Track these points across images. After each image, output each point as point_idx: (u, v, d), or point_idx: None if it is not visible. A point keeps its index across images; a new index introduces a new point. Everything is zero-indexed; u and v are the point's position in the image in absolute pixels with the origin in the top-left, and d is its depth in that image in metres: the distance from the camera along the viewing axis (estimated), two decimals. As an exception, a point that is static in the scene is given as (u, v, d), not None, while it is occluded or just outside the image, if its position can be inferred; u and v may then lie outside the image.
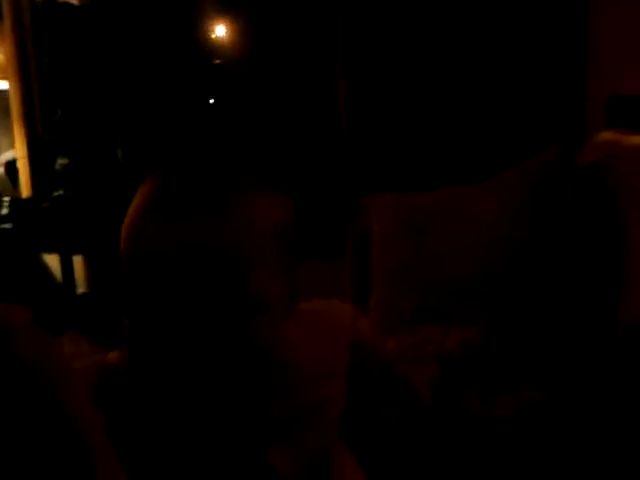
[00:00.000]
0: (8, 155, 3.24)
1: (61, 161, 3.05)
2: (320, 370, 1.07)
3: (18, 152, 3.20)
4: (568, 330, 1.63)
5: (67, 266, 3.05)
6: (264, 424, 0.99)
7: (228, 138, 2.90)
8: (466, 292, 1.78)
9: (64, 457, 0.88)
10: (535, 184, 1.81)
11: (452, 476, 1.24)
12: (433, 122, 2.73)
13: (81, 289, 3.13)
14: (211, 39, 3.09)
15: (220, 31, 3.10)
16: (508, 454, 1.27)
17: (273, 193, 0.98)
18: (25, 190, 3.20)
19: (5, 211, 2.90)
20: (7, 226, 2.86)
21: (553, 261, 1.71)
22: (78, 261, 3.13)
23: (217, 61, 3.08)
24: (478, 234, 1.82)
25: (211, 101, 3.09)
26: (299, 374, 1.04)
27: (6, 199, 2.95)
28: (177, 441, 0.96)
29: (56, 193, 3.01)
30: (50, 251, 3.06)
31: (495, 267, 1.76)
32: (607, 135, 1.86)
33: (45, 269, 3.14)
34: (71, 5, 3.10)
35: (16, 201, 3.00)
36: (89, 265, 3.17)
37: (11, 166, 3.19)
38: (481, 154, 2.57)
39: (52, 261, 3.11)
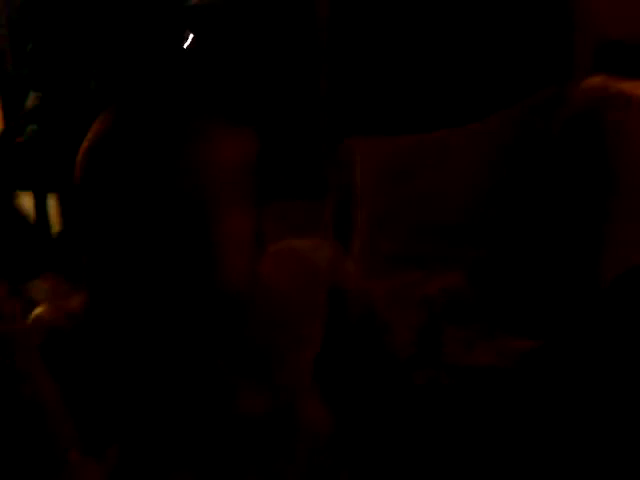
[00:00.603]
0: (-23, 89, 3.13)
1: (34, 95, 2.96)
2: (294, 308, 1.04)
3: (-13, 87, 3.10)
4: (552, 276, 1.63)
5: (41, 205, 2.99)
6: (235, 364, 0.97)
7: (195, 76, 2.82)
8: (450, 238, 1.77)
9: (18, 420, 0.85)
10: (523, 128, 1.79)
11: (430, 425, 1.23)
12: (419, 64, 2.67)
13: (56, 229, 3.07)
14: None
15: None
16: (491, 402, 1.27)
17: (236, 128, 0.93)
18: (-4, 125, 3.11)
19: (-24, 147, 2.82)
20: (-22, 162, 2.79)
21: (539, 206, 1.70)
22: (52, 200, 3.06)
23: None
24: (463, 179, 1.80)
25: (186, 39, 3.00)
26: (271, 313, 1.01)
27: (-23, 135, 2.87)
28: (141, 390, 0.93)
29: (29, 128, 2.92)
30: (24, 189, 2.99)
31: (480, 212, 1.75)
32: (596, 80, 1.83)
33: (18, 208, 3.07)
34: None
35: (-13, 136, 2.91)
36: (63, 204, 3.10)
37: (-20, 101, 3.09)
38: (467, 97, 2.52)
39: (25, 200, 3.04)
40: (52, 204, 3.06)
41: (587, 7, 2.50)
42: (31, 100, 2.95)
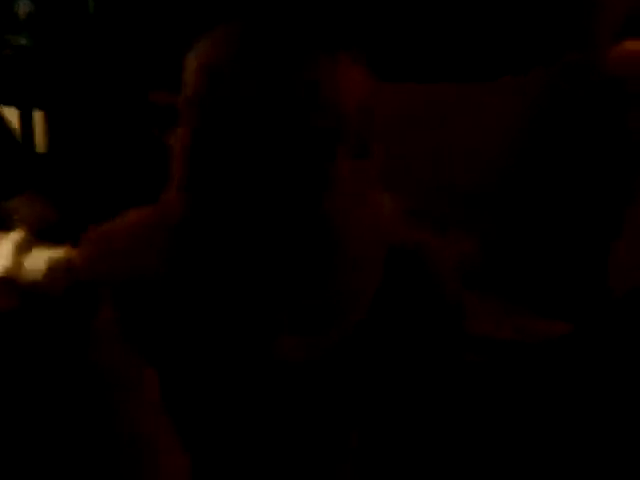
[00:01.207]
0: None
1: (24, 6, 2.80)
2: (355, 259, 0.99)
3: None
4: (567, 252, 1.58)
5: (27, 122, 2.86)
6: (290, 307, 0.95)
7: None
8: (467, 200, 1.69)
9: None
10: (554, 92, 1.70)
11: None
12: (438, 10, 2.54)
13: (41, 148, 2.95)
14: None
15: None
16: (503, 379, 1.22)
17: (357, 63, 0.93)
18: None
19: (-39, 55, 2.67)
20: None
21: (560, 175, 1.63)
22: (39, 118, 2.93)
23: None
24: (485, 137, 1.72)
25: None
26: (343, 258, 0.98)
27: (-38, 42, 2.72)
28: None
29: (18, 40, 2.78)
30: (9, 104, 2.86)
31: (499, 176, 1.67)
32: (631, 45, 1.74)
33: (3, 122, 2.94)
34: None
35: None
36: (50, 122, 2.97)
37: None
38: (490, 55, 2.41)
39: (11, 116, 2.91)
40: (38, 122, 2.94)
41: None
42: (22, 8, 2.79)
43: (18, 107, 2.84)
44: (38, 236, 2.39)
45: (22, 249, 2.34)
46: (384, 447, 1.01)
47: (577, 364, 1.09)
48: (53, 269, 1.02)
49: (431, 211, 1.72)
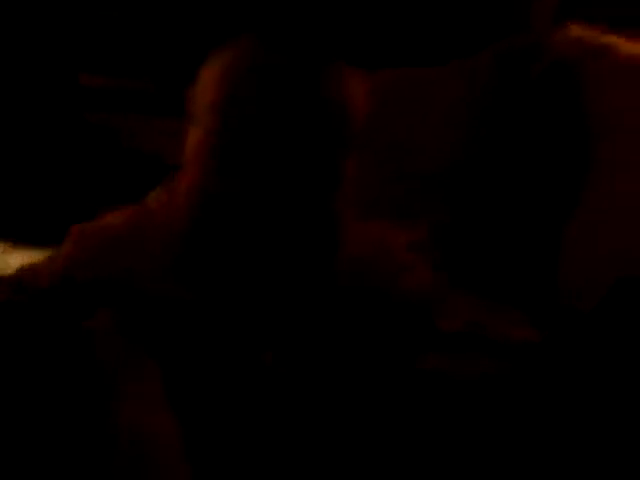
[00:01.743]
0: None
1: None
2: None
3: None
4: (516, 242, 1.60)
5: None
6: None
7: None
8: (420, 188, 1.69)
9: None
10: (503, 72, 1.72)
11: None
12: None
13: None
14: None
15: None
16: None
17: (360, 71, 1.01)
18: None
19: None
20: None
21: (517, 156, 1.65)
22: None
23: None
24: (436, 123, 1.72)
25: None
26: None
27: None
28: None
29: None
30: None
31: (452, 159, 1.67)
32: (575, 29, 1.77)
33: None
34: None
35: None
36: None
37: None
38: (435, 35, 2.41)
39: None
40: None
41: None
42: None
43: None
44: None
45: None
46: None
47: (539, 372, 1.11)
48: (35, 266, 1.01)
49: (384, 199, 1.72)
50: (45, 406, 0.85)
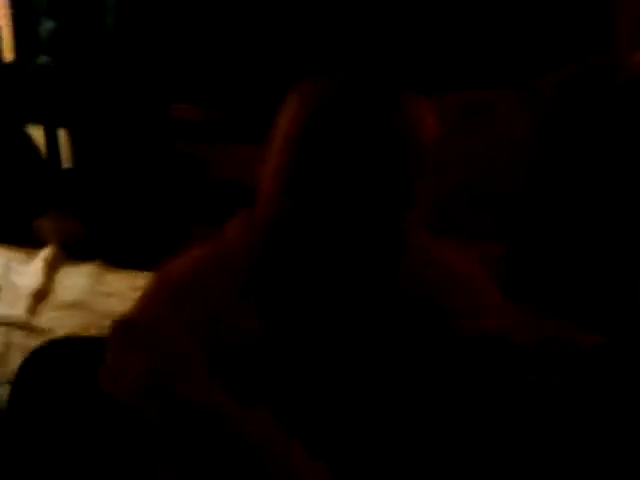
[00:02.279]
0: (-12, 14, 3.01)
1: (47, 25, 2.85)
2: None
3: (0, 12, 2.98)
4: (590, 257, 1.57)
5: (52, 139, 2.91)
6: None
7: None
8: (492, 206, 1.70)
9: None
10: (574, 95, 1.70)
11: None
12: (459, 23, 2.55)
13: (66, 164, 3.00)
14: None
15: None
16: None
17: (429, 103, 1.04)
18: (8, 54, 3.00)
19: (-14, 75, 2.73)
20: (-11, 91, 2.70)
21: (582, 180, 1.63)
22: (63, 135, 2.98)
23: None
24: (510, 143, 1.72)
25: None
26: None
27: (-13, 63, 2.77)
28: None
29: (41, 59, 2.83)
30: (34, 122, 2.91)
31: (525, 181, 1.67)
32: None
33: (29, 141, 3.00)
34: None
35: (-1, 66, 2.82)
36: (74, 140, 3.02)
37: (-8, 27, 2.97)
38: (508, 60, 2.42)
39: (36, 134, 2.96)
40: (62, 139, 2.99)
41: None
42: (44, 30, 2.84)
43: (43, 125, 2.89)
44: (68, 252, 2.45)
45: (53, 266, 2.41)
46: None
47: (611, 375, 1.10)
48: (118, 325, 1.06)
49: (458, 219, 1.74)
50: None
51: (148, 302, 1.09)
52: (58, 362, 1.24)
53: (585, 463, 1.02)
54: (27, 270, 2.31)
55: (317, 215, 1.00)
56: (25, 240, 2.46)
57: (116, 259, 2.35)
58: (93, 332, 1.82)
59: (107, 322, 1.71)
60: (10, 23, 2.98)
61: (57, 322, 2.06)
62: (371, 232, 1.00)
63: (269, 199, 1.04)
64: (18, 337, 1.98)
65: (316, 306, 1.05)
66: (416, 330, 1.07)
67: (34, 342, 1.57)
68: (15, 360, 1.62)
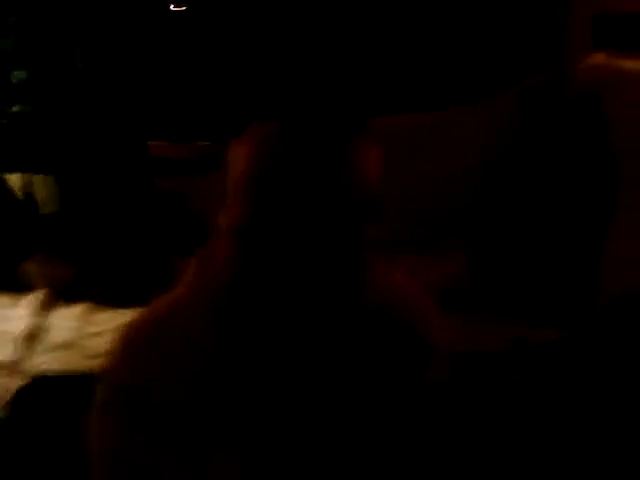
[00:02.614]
0: (-43, 66, 3.03)
1: (18, 73, 2.88)
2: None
3: (-30, 64, 3.00)
4: (551, 263, 1.62)
5: (29, 186, 2.92)
6: None
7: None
8: (450, 223, 1.75)
9: None
10: (526, 110, 1.77)
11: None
12: (414, 44, 2.63)
13: (48, 209, 3.01)
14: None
15: None
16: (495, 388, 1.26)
17: (372, 144, 1.10)
18: (-20, 106, 3.02)
19: (-40, 127, 2.74)
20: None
21: (541, 192, 1.68)
22: (43, 179, 3.00)
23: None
24: (464, 161, 1.78)
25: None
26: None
27: (-40, 116, 2.79)
28: None
29: (14, 109, 2.85)
30: (11, 171, 2.93)
31: (481, 197, 1.73)
32: (599, 58, 1.81)
33: (7, 189, 3.01)
34: None
35: (-29, 118, 2.83)
36: (55, 184, 3.04)
37: (-39, 79, 3.00)
38: (464, 77, 2.49)
39: (12, 181, 2.98)
40: (39, 184, 3.00)
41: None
42: (16, 78, 2.87)
43: (20, 172, 2.91)
44: (56, 295, 2.46)
45: (42, 309, 2.42)
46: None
47: (572, 369, 1.14)
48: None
49: (420, 235, 1.79)
50: None
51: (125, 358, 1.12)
52: (42, 399, 1.26)
53: (558, 456, 1.06)
54: (14, 314, 2.32)
55: (273, 256, 1.06)
56: (10, 285, 2.47)
57: (104, 298, 2.36)
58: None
59: (96, 361, 1.73)
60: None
61: (46, 364, 2.07)
62: (327, 276, 1.06)
63: (228, 250, 1.09)
64: (7, 381, 1.98)
65: (282, 340, 1.08)
66: (380, 344, 1.11)
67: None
68: (2, 403, 1.62)
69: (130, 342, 1.12)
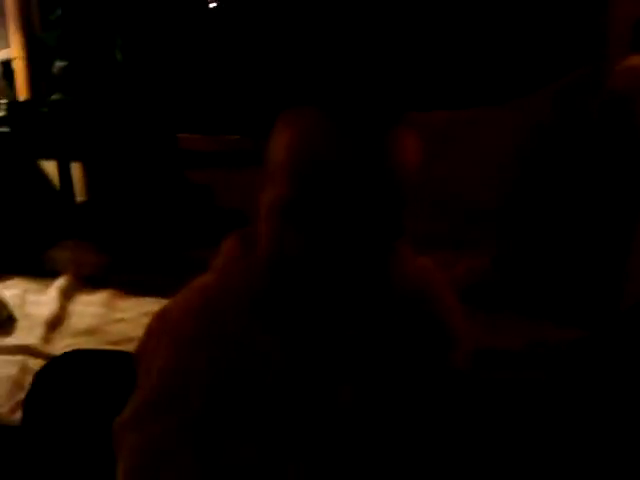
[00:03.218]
0: (3, 55, 3.11)
1: (60, 63, 2.93)
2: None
3: (14, 52, 3.07)
4: (578, 265, 1.60)
5: (65, 173, 2.99)
6: None
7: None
8: (479, 219, 1.74)
9: None
10: (559, 109, 1.74)
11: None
12: (450, 42, 2.61)
13: (80, 197, 3.07)
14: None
15: None
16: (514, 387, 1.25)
17: (410, 132, 1.07)
18: (22, 93, 3.09)
19: (2, 114, 2.80)
20: (4, 129, 2.77)
21: (572, 190, 1.66)
22: (77, 168, 3.06)
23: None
24: (496, 159, 1.76)
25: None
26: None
27: (3, 101, 2.85)
28: None
29: (54, 97, 2.91)
30: (48, 157, 2.99)
31: (510, 195, 1.71)
32: (636, 60, 1.77)
33: (43, 175, 3.07)
34: None
35: (13, 104, 2.90)
36: (88, 173, 3.10)
37: (7, 67, 3.07)
38: (502, 75, 2.46)
39: (50, 168, 3.04)
40: (75, 172, 3.07)
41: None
42: (57, 68, 2.93)
43: (56, 160, 2.97)
44: (81, 281, 2.49)
45: (67, 294, 2.46)
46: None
47: (592, 369, 1.12)
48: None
49: (448, 230, 1.77)
50: None
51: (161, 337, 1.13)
52: (70, 373, 1.28)
53: (578, 456, 1.04)
54: (42, 299, 2.36)
55: (314, 242, 1.04)
56: (39, 271, 2.52)
57: (129, 286, 2.39)
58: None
59: (119, 347, 1.75)
60: (24, 63, 3.08)
61: (71, 348, 2.10)
62: (363, 260, 1.05)
63: (268, 225, 1.08)
64: (34, 363, 2.02)
65: (320, 326, 1.09)
66: (405, 330, 1.12)
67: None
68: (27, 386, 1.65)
69: (171, 338, 1.11)
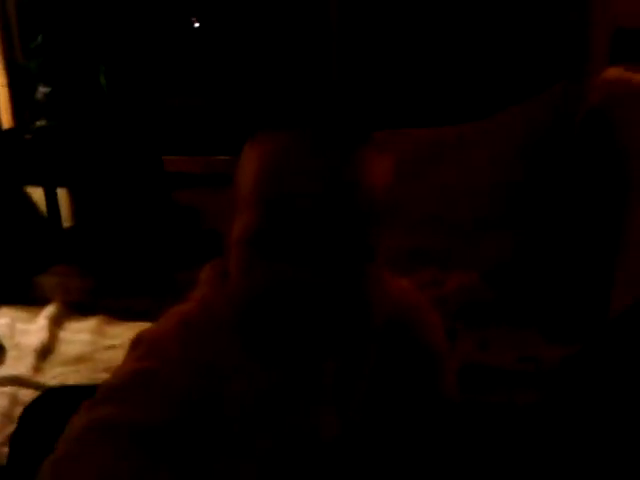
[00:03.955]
0: (-14, 83, 3.11)
1: (43, 89, 2.93)
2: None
3: (-3, 81, 3.08)
4: (568, 278, 1.60)
5: (52, 199, 2.98)
6: None
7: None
8: (467, 235, 1.74)
9: None
10: (540, 123, 1.76)
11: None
12: (430, 56, 2.63)
13: (66, 223, 3.06)
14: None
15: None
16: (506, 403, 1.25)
17: (384, 151, 1.05)
18: (5, 121, 3.09)
19: (-14, 142, 2.80)
20: (-11, 158, 2.77)
21: (555, 204, 1.67)
22: (63, 194, 3.05)
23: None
24: (479, 174, 1.77)
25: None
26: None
27: (-14, 130, 2.85)
28: None
29: (39, 123, 2.90)
30: (34, 184, 2.98)
31: (497, 210, 1.71)
32: (614, 72, 1.78)
33: (29, 202, 3.06)
34: None
35: (-3, 132, 2.90)
36: (74, 198, 3.09)
37: (-10, 94, 3.07)
38: (480, 91, 2.48)
39: (36, 194, 3.03)
40: (62, 198, 3.06)
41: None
42: (40, 94, 2.92)
43: (42, 186, 2.96)
44: (74, 307, 2.48)
45: (57, 322, 2.43)
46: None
47: (584, 388, 1.12)
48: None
49: (436, 246, 1.77)
50: None
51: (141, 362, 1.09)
52: (55, 411, 1.26)
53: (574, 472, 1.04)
54: (31, 328, 2.35)
55: (285, 269, 1.02)
56: (27, 298, 2.51)
57: (118, 311, 2.38)
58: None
59: (110, 375, 1.73)
60: (6, 91, 3.08)
61: (61, 377, 2.09)
62: (337, 287, 1.02)
63: (239, 259, 1.06)
64: (24, 394, 2.00)
65: (299, 356, 1.08)
66: (389, 355, 1.11)
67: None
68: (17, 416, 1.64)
69: (148, 350, 1.08)
